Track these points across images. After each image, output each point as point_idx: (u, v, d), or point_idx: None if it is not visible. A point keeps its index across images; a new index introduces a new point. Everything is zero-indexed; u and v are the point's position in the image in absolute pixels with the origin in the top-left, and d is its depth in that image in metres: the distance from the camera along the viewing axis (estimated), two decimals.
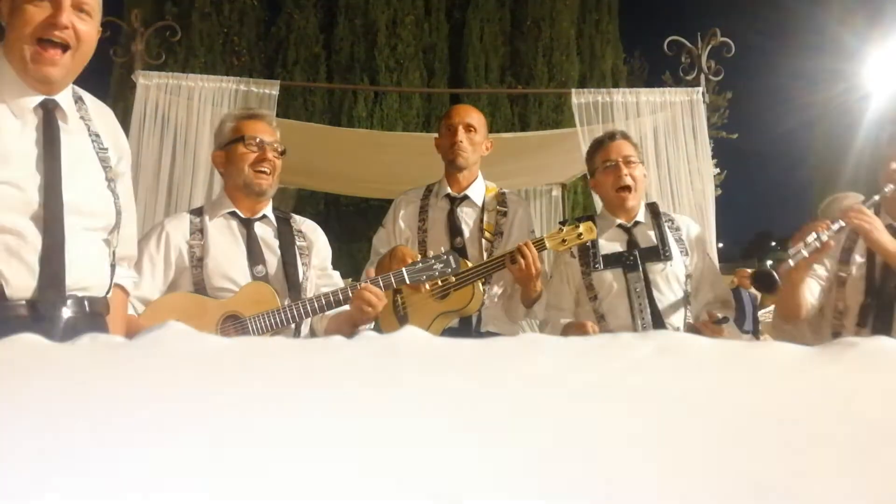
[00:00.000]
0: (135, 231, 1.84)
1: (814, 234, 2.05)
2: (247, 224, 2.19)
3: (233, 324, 2.04)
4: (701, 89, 4.36)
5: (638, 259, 2.38)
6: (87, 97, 1.70)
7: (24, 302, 1.46)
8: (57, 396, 0.41)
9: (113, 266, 1.70)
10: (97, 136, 1.66)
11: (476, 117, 2.65)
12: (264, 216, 2.23)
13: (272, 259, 2.18)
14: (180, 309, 2.03)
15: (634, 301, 2.34)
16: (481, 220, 2.61)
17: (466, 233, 2.60)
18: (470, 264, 2.45)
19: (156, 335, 0.50)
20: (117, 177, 1.70)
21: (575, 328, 2.37)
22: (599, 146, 2.52)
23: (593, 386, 0.44)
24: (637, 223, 2.46)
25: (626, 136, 2.54)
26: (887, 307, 2.12)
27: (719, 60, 4.38)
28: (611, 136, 2.52)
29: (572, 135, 4.59)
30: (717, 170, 12.15)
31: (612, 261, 2.41)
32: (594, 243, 2.44)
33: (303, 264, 2.22)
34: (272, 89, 4.15)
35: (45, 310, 1.49)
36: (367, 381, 0.45)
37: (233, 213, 2.20)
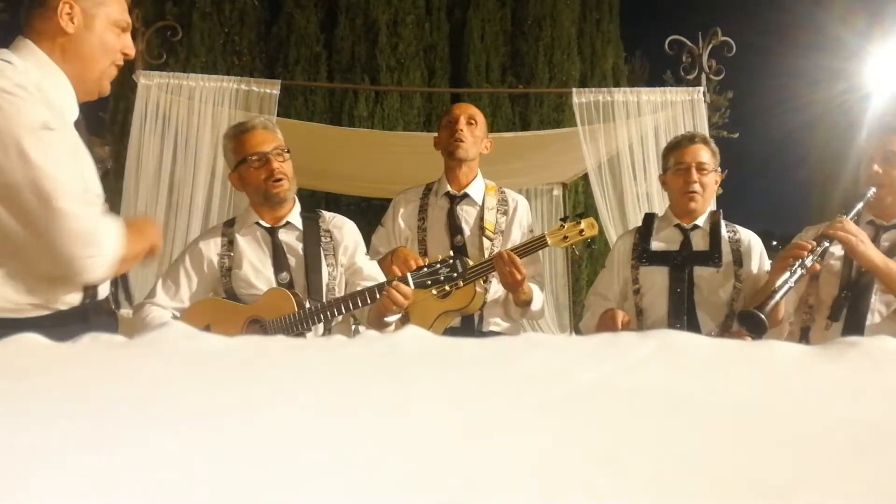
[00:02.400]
0: None
1: (798, 261, 2.00)
2: (271, 233, 2.26)
3: (254, 327, 2.14)
4: (702, 89, 4.36)
5: (686, 261, 2.37)
6: None
7: (105, 299, 1.59)
8: (57, 395, 0.41)
9: None
10: None
11: (477, 112, 2.67)
12: (288, 223, 2.28)
13: (297, 264, 2.25)
14: (210, 312, 2.19)
15: (674, 301, 2.33)
16: (481, 219, 2.60)
17: (467, 231, 2.59)
18: (471, 262, 2.45)
19: (156, 335, 0.50)
20: None
21: (608, 317, 2.36)
22: (676, 146, 2.49)
23: (594, 385, 0.44)
24: (695, 227, 2.45)
25: (705, 142, 2.50)
26: (861, 299, 2.10)
27: (720, 60, 4.38)
28: (690, 139, 2.49)
29: (573, 134, 4.59)
30: (718, 169, 12.12)
31: (660, 258, 2.40)
32: (647, 238, 2.45)
33: (329, 265, 2.26)
34: (273, 89, 4.16)
35: (115, 305, 1.65)
36: (368, 381, 0.45)
37: (258, 224, 2.27)
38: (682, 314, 2.30)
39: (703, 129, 4.31)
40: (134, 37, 4.17)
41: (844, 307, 2.11)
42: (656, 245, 2.44)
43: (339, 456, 0.34)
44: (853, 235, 2.03)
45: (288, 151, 2.24)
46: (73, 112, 1.54)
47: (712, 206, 2.60)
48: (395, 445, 0.35)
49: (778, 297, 1.94)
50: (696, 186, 2.40)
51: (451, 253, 2.51)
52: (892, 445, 0.36)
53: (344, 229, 2.36)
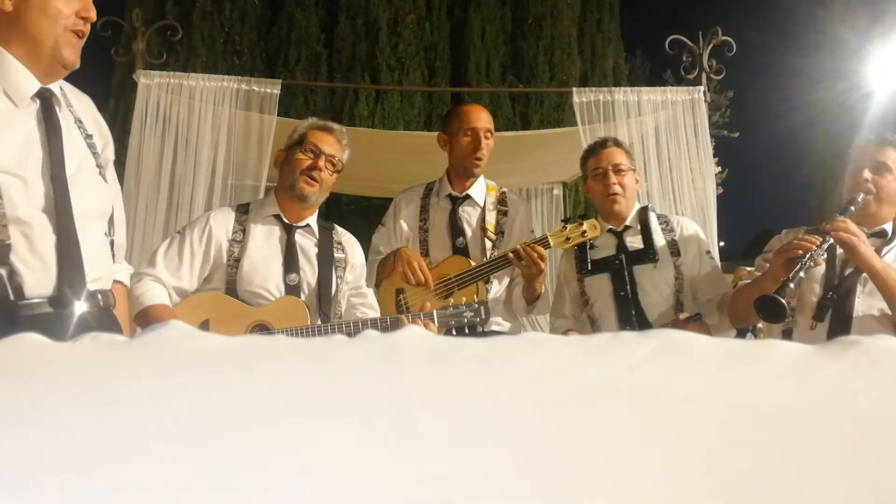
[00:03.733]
0: (123, 218, 1.82)
1: (808, 254, 2.01)
2: (288, 230, 2.21)
3: (260, 333, 2.03)
4: (702, 88, 4.36)
5: (624, 263, 2.42)
6: (65, 85, 1.67)
7: (44, 300, 1.44)
8: (58, 395, 0.41)
9: (113, 255, 1.70)
10: (80, 122, 1.64)
11: (491, 122, 2.66)
12: (307, 225, 2.25)
13: (308, 269, 2.19)
14: (214, 308, 2.06)
15: (621, 304, 2.38)
16: (483, 220, 2.61)
17: (468, 232, 2.60)
18: (473, 264, 2.46)
19: (157, 334, 0.50)
20: (105, 164, 1.68)
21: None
22: (591, 153, 2.56)
23: (595, 385, 0.44)
24: (627, 228, 2.50)
25: (618, 144, 2.56)
26: (847, 301, 2.12)
27: (721, 59, 4.38)
28: (602, 144, 2.56)
29: (573, 133, 4.59)
30: (719, 168, 12.13)
31: (600, 265, 2.46)
32: (584, 248, 2.49)
33: (337, 277, 2.24)
34: (274, 88, 4.15)
35: (66, 306, 1.46)
36: (369, 381, 0.45)
37: (277, 217, 2.21)
38: (631, 315, 2.35)
39: (704, 128, 4.31)
40: (134, 36, 4.13)
41: (830, 308, 2.13)
42: (594, 253, 2.49)
43: (339, 456, 0.34)
44: (855, 235, 2.04)
45: (340, 170, 2.24)
46: (27, 87, 1.49)
47: (645, 203, 2.66)
48: (396, 445, 0.35)
49: (792, 285, 1.96)
50: (616, 188, 2.46)
51: (453, 254, 2.53)
52: (892, 445, 0.36)
53: (355, 249, 2.36)
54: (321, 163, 2.17)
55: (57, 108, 1.55)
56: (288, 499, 0.30)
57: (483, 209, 2.62)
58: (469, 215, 2.62)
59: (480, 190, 2.65)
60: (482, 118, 2.62)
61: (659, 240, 2.45)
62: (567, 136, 5.09)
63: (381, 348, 0.50)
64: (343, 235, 2.35)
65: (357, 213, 8.14)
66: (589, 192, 2.61)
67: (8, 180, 1.40)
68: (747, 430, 0.38)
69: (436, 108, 8.59)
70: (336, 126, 2.29)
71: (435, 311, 2.16)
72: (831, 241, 2.07)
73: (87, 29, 1.54)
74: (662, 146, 4.28)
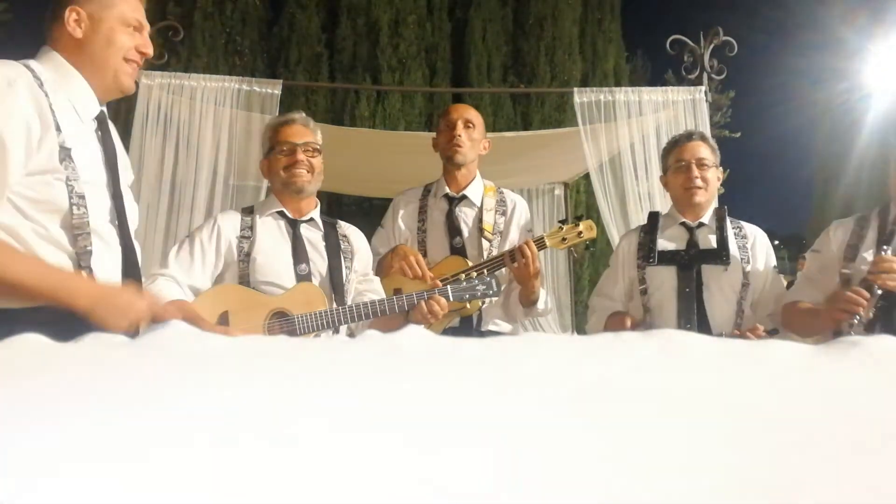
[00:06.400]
0: None
1: (857, 317, 1.95)
2: (293, 224, 2.27)
3: (280, 320, 2.11)
4: (703, 88, 4.36)
5: (694, 259, 2.35)
6: None
7: None
8: (58, 396, 0.41)
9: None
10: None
11: (475, 115, 2.67)
12: (311, 219, 2.30)
13: (317, 259, 2.25)
14: (232, 300, 2.11)
15: (683, 300, 2.30)
16: (480, 220, 2.61)
17: (465, 232, 2.60)
18: (470, 263, 2.46)
19: (158, 335, 0.50)
20: (130, 183, 1.82)
21: (617, 322, 2.37)
22: (675, 145, 2.50)
23: (596, 385, 0.44)
24: (701, 224, 2.43)
25: (704, 138, 2.50)
26: (894, 304, 2.07)
27: (722, 59, 4.38)
28: (688, 136, 2.50)
29: (575, 134, 4.59)
30: (719, 166, 12.12)
31: (668, 257, 2.38)
32: (654, 237, 2.42)
33: (346, 267, 2.29)
34: (275, 89, 4.16)
35: None
36: (370, 381, 0.45)
37: (281, 213, 2.28)
38: (692, 313, 2.28)
39: (705, 128, 4.31)
40: None
41: (879, 319, 2.07)
42: (662, 244, 2.42)
43: (339, 456, 0.34)
44: None
45: (319, 150, 2.28)
46: (93, 108, 1.66)
47: (715, 204, 2.59)
48: (396, 445, 0.35)
49: None
50: (699, 181, 2.39)
51: (450, 254, 2.54)
52: (892, 445, 0.36)
53: (361, 239, 2.40)
54: (299, 155, 2.23)
55: (110, 130, 1.73)
56: (288, 498, 0.30)
57: (480, 209, 2.62)
58: (466, 215, 2.63)
59: (477, 190, 2.65)
60: (459, 110, 2.67)
61: (731, 243, 2.38)
62: (568, 137, 5.09)
63: (382, 348, 0.51)
64: (347, 229, 2.40)
65: (358, 213, 8.14)
66: (667, 186, 2.55)
67: (90, 191, 1.56)
68: (747, 430, 0.38)
69: (437, 108, 8.58)
70: (296, 115, 2.34)
71: (448, 287, 2.19)
72: (879, 292, 1.99)
73: (141, 61, 1.73)
74: (664, 146, 4.28)
